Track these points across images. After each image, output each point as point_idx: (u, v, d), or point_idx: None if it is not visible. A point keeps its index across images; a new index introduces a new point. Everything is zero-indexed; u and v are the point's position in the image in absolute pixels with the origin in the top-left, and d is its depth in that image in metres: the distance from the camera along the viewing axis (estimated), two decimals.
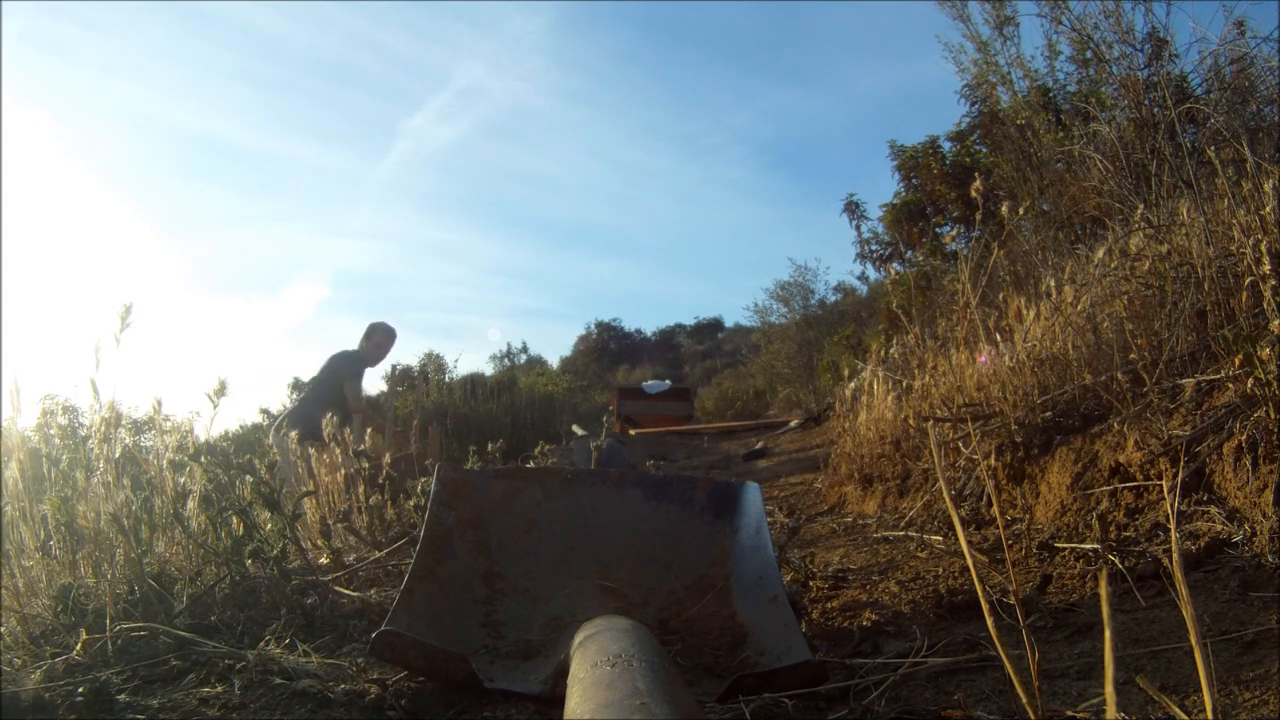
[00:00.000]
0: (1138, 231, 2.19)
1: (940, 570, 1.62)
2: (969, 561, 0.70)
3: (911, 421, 2.52)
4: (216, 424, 1.62)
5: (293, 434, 2.64)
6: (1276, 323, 1.33)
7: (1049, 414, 1.96)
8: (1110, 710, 0.52)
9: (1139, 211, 2.21)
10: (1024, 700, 0.67)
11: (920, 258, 6.37)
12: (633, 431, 8.60)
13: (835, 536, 2.29)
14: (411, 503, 2.27)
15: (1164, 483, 1.48)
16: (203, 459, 1.49)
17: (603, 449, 2.96)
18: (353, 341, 4.63)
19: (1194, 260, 1.82)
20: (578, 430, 6.63)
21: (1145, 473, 1.57)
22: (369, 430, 2.60)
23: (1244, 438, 1.36)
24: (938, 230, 6.20)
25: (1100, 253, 2.22)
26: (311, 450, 2.26)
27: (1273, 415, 1.32)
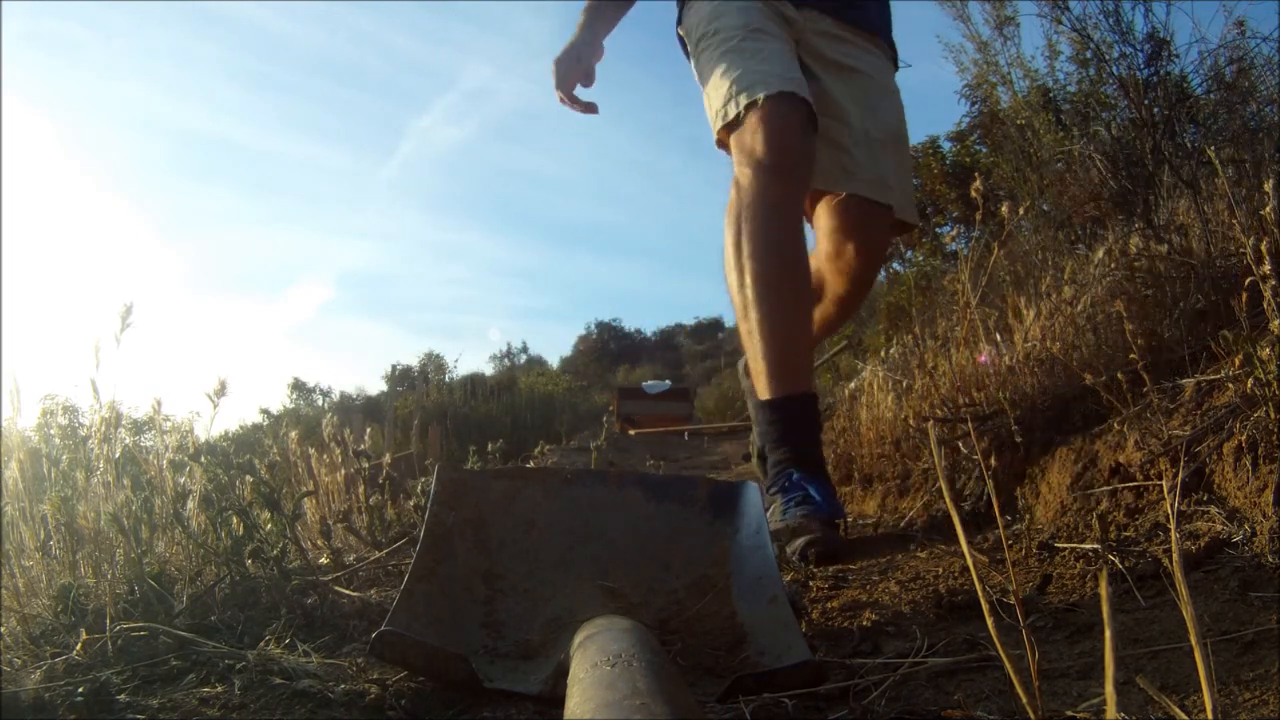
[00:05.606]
0: (1138, 231, 2.20)
1: (940, 570, 1.62)
2: (969, 561, 0.70)
3: (911, 421, 2.52)
4: (216, 424, 1.62)
5: (293, 434, 2.45)
6: (1276, 323, 1.33)
7: (1049, 414, 1.96)
8: (1110, 710, 0.52)
9: (1139, 211, 2.21)
10: (1024, 700, 0.67)
11: (920, 258, 6.37)
12: (633, 431, 8.60)
13: None
14: (411, 503, 2.27)
15: (1164, 483, 1.48)
16: (203, 459, 1.49)
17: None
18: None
19: (1194, 260, 1.82)
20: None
21: (1145, 473, 1.57)
22: (368, 430, 2.50)
23: (1244, 438, 1.36)
24: (938, 230, 6.21)
25: (1100, 253, 2.22)
26: (312, 450, 2.25)
27: (1273, 415, 1.32)
